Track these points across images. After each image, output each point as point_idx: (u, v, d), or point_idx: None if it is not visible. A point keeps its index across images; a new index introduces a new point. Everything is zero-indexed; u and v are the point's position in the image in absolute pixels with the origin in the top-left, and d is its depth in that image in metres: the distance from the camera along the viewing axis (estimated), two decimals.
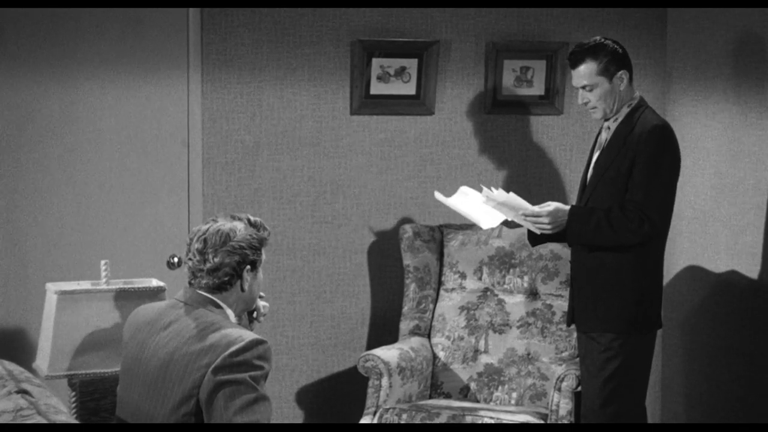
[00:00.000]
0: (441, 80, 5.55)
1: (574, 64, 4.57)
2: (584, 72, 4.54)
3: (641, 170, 4.46)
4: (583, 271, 4.59)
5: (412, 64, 5.48)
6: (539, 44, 5.60)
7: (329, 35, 5.42)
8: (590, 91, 4.55)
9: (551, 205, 4.51)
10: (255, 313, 3.68)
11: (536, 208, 4.51)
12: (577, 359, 5.00)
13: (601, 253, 4.52)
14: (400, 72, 5.48)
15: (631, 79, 4.58)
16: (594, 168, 4.61)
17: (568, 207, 4.53)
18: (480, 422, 4.75)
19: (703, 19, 5.47)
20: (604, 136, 4.63)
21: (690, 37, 5.57)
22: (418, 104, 5.53)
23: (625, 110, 4.58)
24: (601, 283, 4.53)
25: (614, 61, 4.55)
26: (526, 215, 4.51)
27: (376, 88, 5.47)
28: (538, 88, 5.65)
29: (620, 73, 4.55)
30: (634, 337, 4.50)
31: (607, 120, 4.61)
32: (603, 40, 4.57)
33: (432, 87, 5.51)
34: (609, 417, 4.51)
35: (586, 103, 4.59)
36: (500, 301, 5.31)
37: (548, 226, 4.50)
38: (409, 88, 5.51)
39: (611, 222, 4.45)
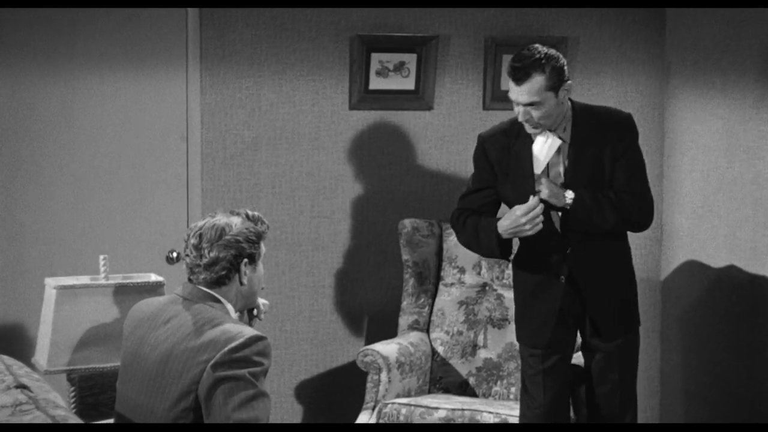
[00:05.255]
0: (440, 75, 5.54)
1: (520, 80, 4.14)
2: (531, 88, 4.15)
3: (629, 159, 4.30)
4: (591, 286, 4.39)
5: (411, 59, 5.48)
6: (538, 39, 5.59)
7: (328, 30, 5.42)
8: (536, 108, 4.18)
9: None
10: (255, 310, 3.68)
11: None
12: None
13: (602, 259, 4.37)
14: (399, 67, 5.48)
15: None
16: (569, 172, 4.30)
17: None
18: (479, 418, 4.75)
19: (701, 14, 5.47)
20: (550, 143, 4.30)
21: (688, 32, 5.57)
22: (417, 99, 5.54)
23: (569, 114, 4.31)
24: (613, 289, 4.41)
25: (561, 72, 4.19)
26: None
27: (375, 83, 5.47)
28: None
29: (567, 84, 4.22)
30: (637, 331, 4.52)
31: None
32: (546, 49, 4.19)
33: (431, 82, 5.51)
34: (632, 419, 4.51)
35: (527, 120, 4.21)
36: (499, 296, 5.31)
37: (545, 189, 4.23)
38: (408, 83, 5.51)
39: (615, 201, 4.28)
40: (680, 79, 5.65)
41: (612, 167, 4.30)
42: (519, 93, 4.17)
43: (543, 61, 4.14)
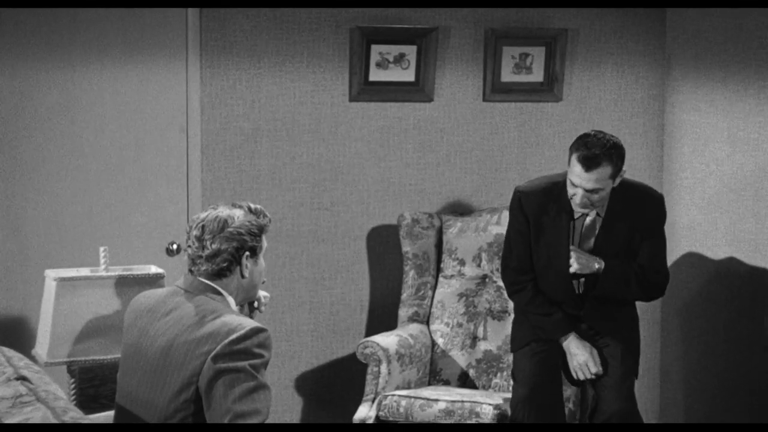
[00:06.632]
0: (440, 67, 5.54)
1: (590, 168, 4.26)
2: (600, 176, 4.27)
3: (656, 239, 4.52)
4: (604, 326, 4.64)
5: (411, 51, 5.47)
6: (538, 31, 5.59)
7: (328, 22, 5.41)
8: (596, 193, 4.32)
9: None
10: (256, 302, 3.68)
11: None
12: None
13: (613, 318, 4.61)
14: (399, 59, 5.47)
15: None
16: (599, 244, 4.50)
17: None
18: (479, 409, 4.75)
19: (702, 6, 5.46)
20: (588, 220, 4.51)
21: (689, 24, 5.57)
22: (417, 91, 5.53)
23: None
24: (619, 341, 4.64)
25: (623, 161, 4.34)
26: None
27: (375, 75, 5.46)
28: (537, 75, 5.64)
29: (623, 171, 4.37)
30: None
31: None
32: (611, 137, 4.33)
33: (431, 74, 5.51)
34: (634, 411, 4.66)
35: (584, 205, 4.34)
36: (499, 288, 5.31)
37: (576, 262, 4.44)
38: (408, 75, 5.50)
39: (639, 276, 4.51)
40: (681, 71, 5.64)
41: (640, 244, 4.49)
42: (586, 180, 4.27)
43: (612, 151, 4.27)
